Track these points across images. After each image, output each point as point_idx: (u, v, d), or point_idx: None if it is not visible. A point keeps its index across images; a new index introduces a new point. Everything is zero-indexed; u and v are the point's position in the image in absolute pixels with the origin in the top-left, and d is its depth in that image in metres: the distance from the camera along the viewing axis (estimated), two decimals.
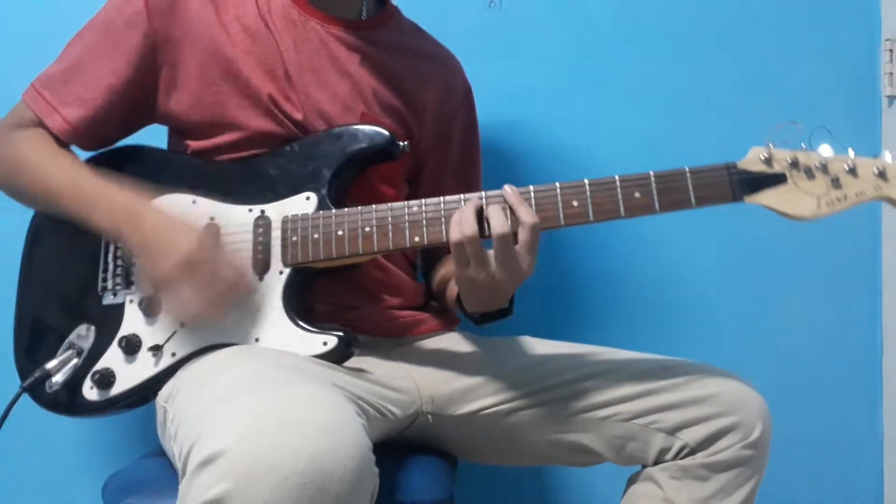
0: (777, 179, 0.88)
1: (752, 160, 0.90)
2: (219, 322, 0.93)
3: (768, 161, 0.89)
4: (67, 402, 0.96)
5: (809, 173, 0.88)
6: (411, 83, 1.11)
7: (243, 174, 1.00)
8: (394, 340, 1.08)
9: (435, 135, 1.15)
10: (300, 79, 1.02)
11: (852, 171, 0.87)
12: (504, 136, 1.43)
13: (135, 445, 1.32)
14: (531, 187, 0.92)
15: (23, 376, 0.98)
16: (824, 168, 0.87)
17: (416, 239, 0.93)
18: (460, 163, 1.20)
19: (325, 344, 0.92)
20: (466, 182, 1.21)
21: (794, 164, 0.88)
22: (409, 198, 1.13)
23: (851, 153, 0.87)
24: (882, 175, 0.86)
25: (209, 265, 0.89)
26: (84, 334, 0.97)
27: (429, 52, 1.17)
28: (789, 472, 1.40)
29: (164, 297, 0.92)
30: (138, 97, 1.02)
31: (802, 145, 0.89)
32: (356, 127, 1.01)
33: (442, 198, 0.94)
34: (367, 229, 0.94)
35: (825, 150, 0.89)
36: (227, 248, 0.95)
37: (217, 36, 1.01)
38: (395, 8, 1.15)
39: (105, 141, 1.05)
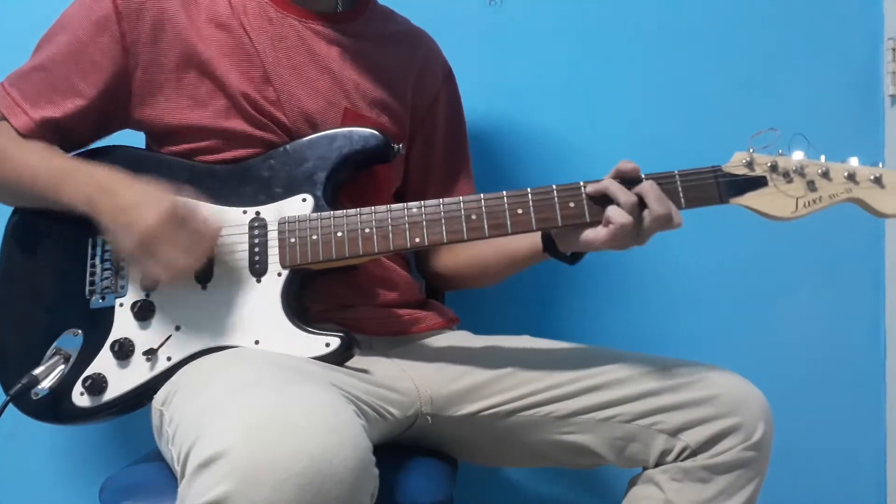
0: (759, 182, 0.98)
1: (736, 164, 0.99)
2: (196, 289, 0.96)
3: (750, 165, 0.98)
4: (55, 409, 0.98)
5: (787, 177, 0.97)
6: (393, 71, 1.17)
7: (235, 176, 1.04)
8: (392, 340, 1.13)
9: (419, 118, 1.20)
10: (279, 77, 1.06)
11: (825, 175, 0.97)
12: (502, 134, 1.48)
13: (131, 449, 1.34)
14: (528, 189, 0.99)
15: (4, 385, 1.00)
16: (801, 171, 0.97)
17: (417, 240, 0.98)
18: (446, 145, 1.25)
19: (327, 345, 0.96)
20: (455, 165, 1.26)
21: (774, 168, 0.98)
22: (398, 185, 1.15)
23: (822, 158, 0.97)
24: (851, 178, 0.96)
25: (193, 219, 0.92)
26: (71, 339, 0.99)
27: (404, 35, 1.22)
28: (792, 473, 1.45)
29: (144, 256, 0.92)
30: (109, 102, 1.05)
31: (780, 151, 0.98)
32: (350, 129, 1.05)
33: (441, 199, 1.00)
34: (367, 231, 0.98)
35: (798, 155, 0.98)
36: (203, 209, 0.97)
37: (190, 38, 1.04)
38: None
39: (71, 144, 1.06)
